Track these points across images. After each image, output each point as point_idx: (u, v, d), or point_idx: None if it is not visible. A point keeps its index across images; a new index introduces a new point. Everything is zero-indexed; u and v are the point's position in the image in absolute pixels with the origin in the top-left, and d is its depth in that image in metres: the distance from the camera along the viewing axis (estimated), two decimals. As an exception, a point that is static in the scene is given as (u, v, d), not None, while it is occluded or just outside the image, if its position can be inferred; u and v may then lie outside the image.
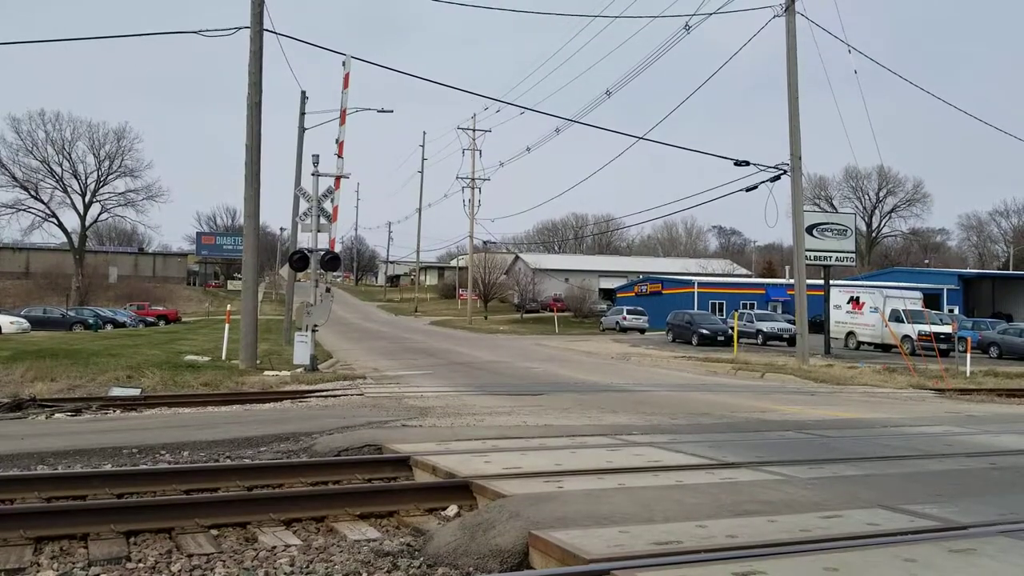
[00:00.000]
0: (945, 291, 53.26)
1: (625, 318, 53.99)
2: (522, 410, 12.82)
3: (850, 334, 38.17)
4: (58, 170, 74.28)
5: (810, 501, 6.00)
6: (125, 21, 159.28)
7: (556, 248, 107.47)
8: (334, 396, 14.84)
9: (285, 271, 30.74)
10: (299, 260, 20.60)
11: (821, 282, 33.78)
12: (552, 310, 65.43)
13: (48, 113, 74.28)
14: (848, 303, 38.64)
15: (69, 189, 75.12)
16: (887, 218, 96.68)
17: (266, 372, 18.86)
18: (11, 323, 38.15)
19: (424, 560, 5.16)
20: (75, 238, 76.87)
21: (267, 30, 20.29)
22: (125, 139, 76.37)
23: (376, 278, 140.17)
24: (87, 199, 75.91)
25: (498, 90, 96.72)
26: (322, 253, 20.09)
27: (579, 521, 5.20)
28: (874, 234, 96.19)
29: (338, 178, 20.41)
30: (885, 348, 35.70)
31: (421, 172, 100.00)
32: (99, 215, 78.61)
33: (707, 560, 4.49)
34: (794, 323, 29.93)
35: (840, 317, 37.86)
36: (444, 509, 6.38)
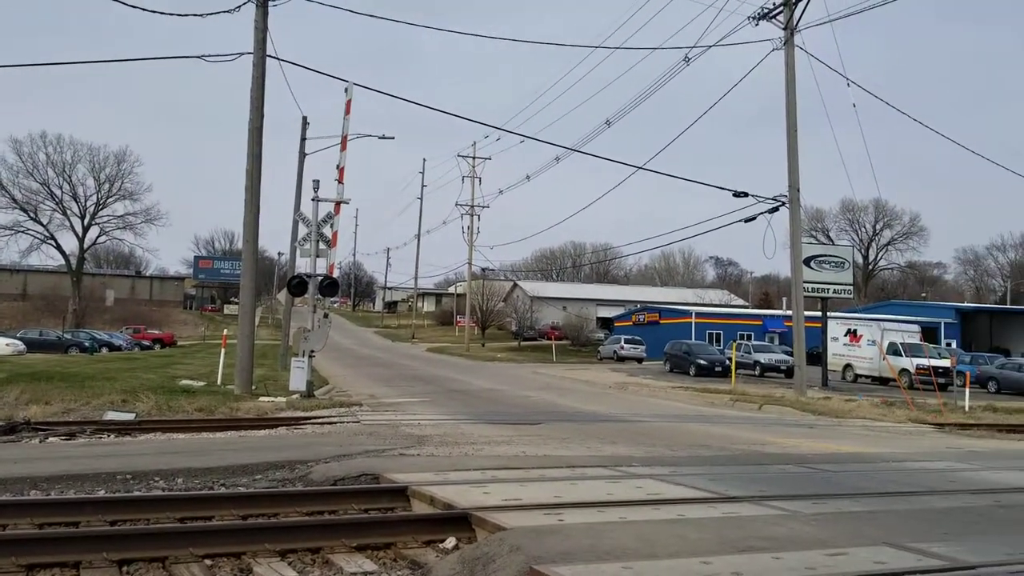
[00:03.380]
0: (943, 325, 53.23)
1: (623, 347, 53.90)
2: (521, 440, 12.71)
3: (847, 367, 38.11)
4: (58, 192, 74.27)
5: (815, 537, 5.91)
6: (129, 46, 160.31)
7: (554, 276, 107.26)
8: (330, 423, 14.71)
9: (283, 296, 30.72)
10: (297, 285, 20.52)
11: (819, 314, 33.79)
12: (550, 338, 65.19)
13: (49, 135, 74.43)
14: (845, 335, 38.65)
15: (68, 211, 75.07)
16: (884, 251, 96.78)
17: (262, 398, 18.72)
18: (7, 345, 37.96)
19: (423, 594, 5.06)
20: (73, 260, 76.77)
21: (270, 56, 20.43)
22: (125, 162, 76.41)
23: (373, 304, 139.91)
24: (86, 221, 75.86)
25: (498, 118, 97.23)
26: (320, 278, 20.03)
27: (581, 556, 5.11)
28: (871, 267, 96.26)
29: (338, 203, 20.41)
30: (883, 381, 35.60)
31: (420, 199, 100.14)
32: (97, 238, 78.53)
33: (712, 598, 4.40)
34: (791, 355, 29.86)
35: (837, 349, 37.86)
36: (442, 541, 6.28)
